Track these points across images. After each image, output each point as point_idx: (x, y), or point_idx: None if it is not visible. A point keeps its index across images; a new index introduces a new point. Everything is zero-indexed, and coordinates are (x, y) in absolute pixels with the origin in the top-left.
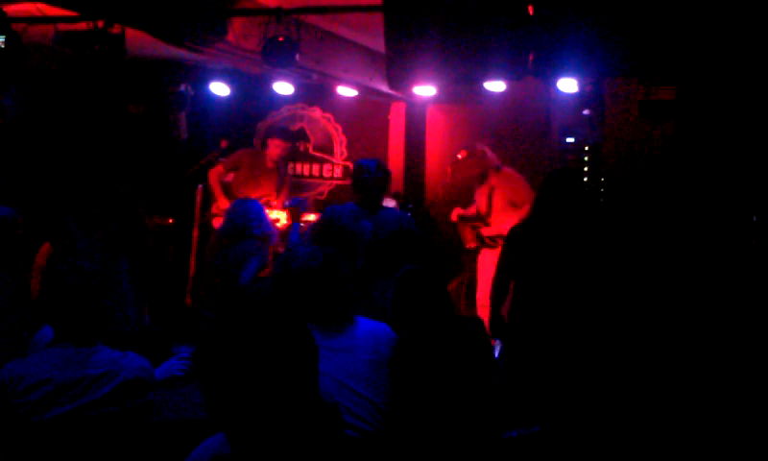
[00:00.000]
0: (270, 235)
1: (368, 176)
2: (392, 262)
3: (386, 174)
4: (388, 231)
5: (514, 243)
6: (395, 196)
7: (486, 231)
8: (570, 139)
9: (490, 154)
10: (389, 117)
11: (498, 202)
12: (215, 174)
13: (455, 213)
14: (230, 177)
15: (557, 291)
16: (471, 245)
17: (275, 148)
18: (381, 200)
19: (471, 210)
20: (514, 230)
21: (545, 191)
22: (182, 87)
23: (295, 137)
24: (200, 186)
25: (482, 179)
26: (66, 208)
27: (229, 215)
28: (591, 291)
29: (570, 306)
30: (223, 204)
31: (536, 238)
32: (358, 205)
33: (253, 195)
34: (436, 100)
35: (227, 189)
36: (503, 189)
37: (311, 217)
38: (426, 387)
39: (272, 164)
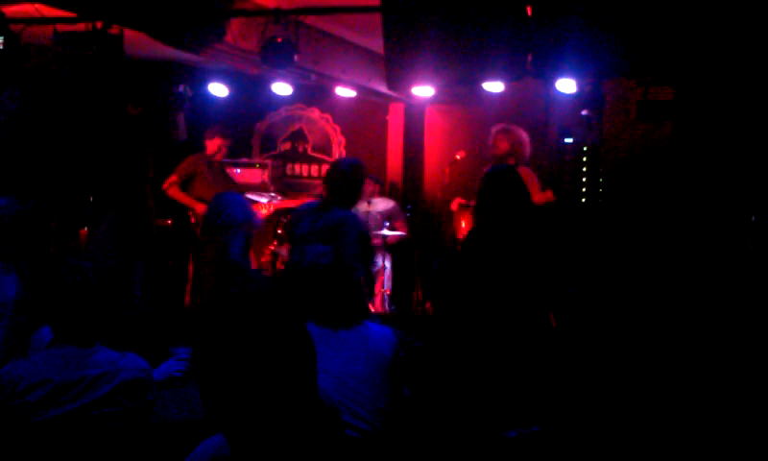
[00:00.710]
0: (242, 220)
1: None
2: None
3: (342, 175)
4: (317, 231)
5: (466, 247)
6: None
7: None
8: (569, 140)
9: (526, 142)
10: (387, 118)
11: None
12: (174, 186)
13: (456, 202)
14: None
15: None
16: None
17: (218, 146)
18: (336, 200)
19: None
20: (468, 234)
21: (484, 192)
22: (181, 88)
23: (232, 133)
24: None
25: (503, 160)
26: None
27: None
28: (543, 288)
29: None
30: (201, 208)
31: (483, 241)
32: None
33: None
34: (434, 100)
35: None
36: None
37: None
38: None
39: (218, 164)
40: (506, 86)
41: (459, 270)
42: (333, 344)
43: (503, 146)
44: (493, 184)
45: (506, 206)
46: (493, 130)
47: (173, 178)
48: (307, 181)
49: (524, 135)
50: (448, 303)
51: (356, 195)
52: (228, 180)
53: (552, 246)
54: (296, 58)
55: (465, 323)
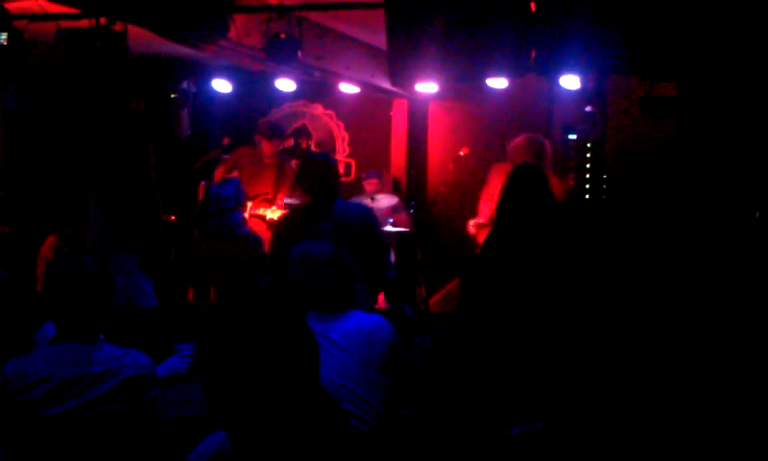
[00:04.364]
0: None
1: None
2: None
3: (326, 169)
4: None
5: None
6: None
7: None
8: (572, 136)
9: (549, 150)
10: (391, 114)
11: None
12: (218, 175)
13: (471, 225)
14: (236, 174)
15: (530, 290)
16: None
17: (264, 146)
18: (328, 195)
19: (485, 218)
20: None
21: (508, 190)
22: (184, 84)
23: (283, 132)
24: (202, 183)
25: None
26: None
27: None
28: (565, 290)
29: (545, 304)
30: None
31: (503, 238)
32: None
33: (253, 192)
34: (438, 97)
35: None
36: None
37: None
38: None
39: (268, 160)
40: (510, 83)
41: (481, 269)
42: (325, 342)
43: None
44: (517, 183)
45: (529, 207)
46: (517, 142)
47: (221, 166)
48: None
49: (538, 140)
50: (470, 301)
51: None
52: (269, 181)
53: (576, 246)
54: (299, 54)
55: (486, 320)
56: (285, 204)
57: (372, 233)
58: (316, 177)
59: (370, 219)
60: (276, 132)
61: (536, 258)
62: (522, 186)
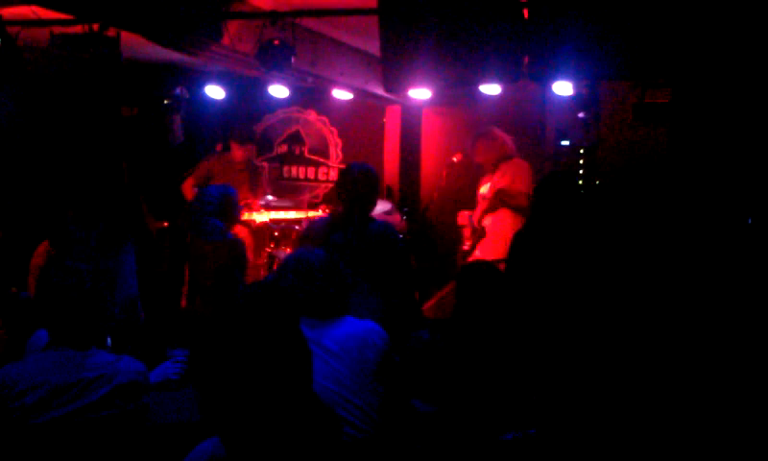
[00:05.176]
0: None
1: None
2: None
3: (364, 181)
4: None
5: (516, 248)
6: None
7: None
8: (565, 142)
9: (509, 142)
10: (384, 120)
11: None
12: (188, 188)
13: (462, 216)
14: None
15: (556, 293)
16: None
17: (236, 151)
18: (361, 209)
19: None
20: (516, 236)
21: (544, 193)
22: (177, 90)
23: (252, 138)
24: (194, 190)
25: (494, 168)
26: (63, 205)
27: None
28: (590, 293)
29: (569, 309)
30: None
31: (537, 241)
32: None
33: None
34: (431, 103)
35: None
36: (505, 178)
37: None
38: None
39: (239, 166)
40: (503, 89)
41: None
42: (318, 348)
43: (490, 157)
44: (549, 189)
45: (561, 212)
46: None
47: (190, 180)
48: (304, 183)
49: (499, 135)
50: (468, 303)
51: (375, 202)
52: (245, 187)
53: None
54: (293, 60)
55: (483, 324)
56: (264, 203)
57: (395, 252)
58: (349, 188)
59: (394, 237)
60: (247, 136)
61: (548, 267)
62: (549, 195)
